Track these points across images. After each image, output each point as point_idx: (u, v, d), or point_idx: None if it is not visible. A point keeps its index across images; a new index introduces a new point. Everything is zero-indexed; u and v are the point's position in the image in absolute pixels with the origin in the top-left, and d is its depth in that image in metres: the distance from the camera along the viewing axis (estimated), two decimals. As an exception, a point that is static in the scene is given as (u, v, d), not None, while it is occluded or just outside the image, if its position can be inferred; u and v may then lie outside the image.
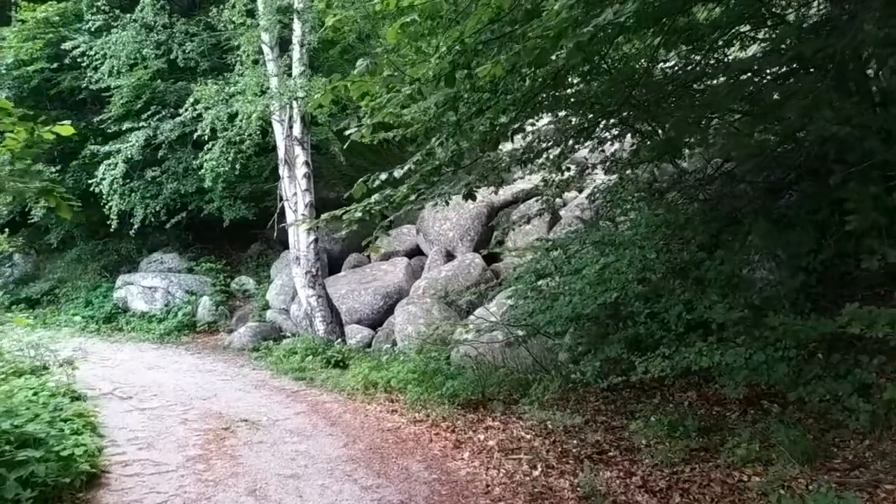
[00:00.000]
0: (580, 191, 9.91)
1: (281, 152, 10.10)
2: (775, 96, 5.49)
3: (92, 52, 11.22)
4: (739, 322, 4.63)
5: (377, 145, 11.82)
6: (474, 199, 4.89)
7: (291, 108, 9.67)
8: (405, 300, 9.73)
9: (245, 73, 9.39)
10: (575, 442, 4.79)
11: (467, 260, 10.06)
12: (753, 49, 6.04)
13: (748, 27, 5.86)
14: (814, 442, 4.03)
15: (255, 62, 9.57)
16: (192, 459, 4.90)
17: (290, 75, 9.61)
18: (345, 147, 5.88)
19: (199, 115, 9.77)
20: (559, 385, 5.62)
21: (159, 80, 11.76)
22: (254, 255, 13.82)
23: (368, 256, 11.91)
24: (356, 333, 9.77)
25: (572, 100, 5.69)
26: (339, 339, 9.37)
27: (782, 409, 4.55)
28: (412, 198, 3.96)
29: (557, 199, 8.61)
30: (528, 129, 6.07)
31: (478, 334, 6.92)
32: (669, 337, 5.09)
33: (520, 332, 6.32)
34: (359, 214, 3.89)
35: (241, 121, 9.30)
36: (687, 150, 6.34)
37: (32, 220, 12.80)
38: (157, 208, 11.83)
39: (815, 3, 5.80)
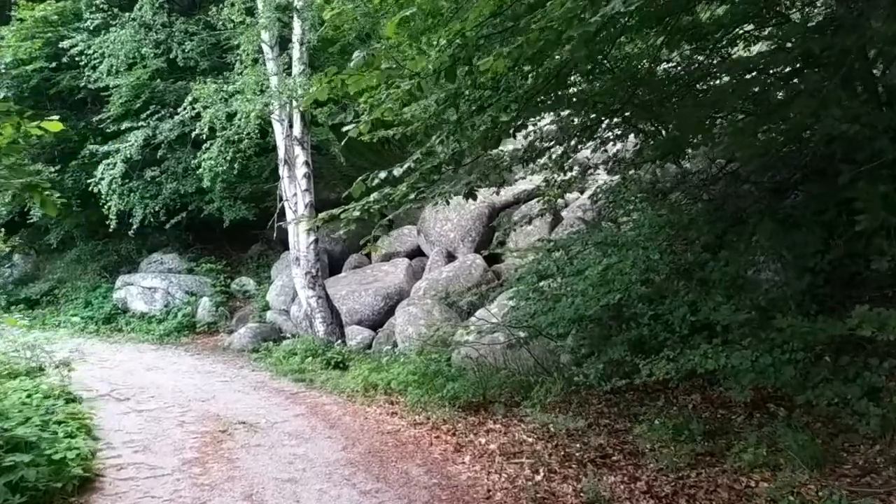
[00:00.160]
0: (582, 192, 9.83)
1: (281, 152, 10.03)
2: (780, 95, 5.43)
3: (90, 51, 11.15)
4: (745, 324, 4.55)
5: (378, 146, 11.78)
6: (475, 198, 4.81)
7: (291, 107, 9.60)
8: (406, 301, 9.65)
9: (244, 72, 9.32)
10: (578, 446, 4.71)
11: (468, 261, 9.98)
12: (756, 48, 5.97)
13: (752, 26, 5.80)
14: (822, 447, 3.94)
15: (255, 61, 9.51)
16: (189, 463, 4.83)
17: (289, 74, 9.54)
18: (343, 144, 5.79)
19: (198, 114, 9.70)
20: (561, 387, 5.53)
21: (159, 80, 11.69)
22: (254, 255, 13.75)
23: (369, 256, 11.83)
24: (356, 335, 9.69)
25: (574, 99, 5.63)
26: (340, 341, 9.30)
27: (789, 412, 4.46)
28: (412, 196, 3.88)
29: (559, 200, 8.53)
30: (531, 128, 6.01)
31: (479, 336, 6.84)
32: (673, 339, 5.02)
33: (521, 334, 6.24)
34: (357, 213, 3.81)
35: (239, 119, 9.23)
36: (690, 150, 6.28)
37: (32, 221, 12.75)
38: (157, 208, 11.75)
39: (819, 2, 5.73)
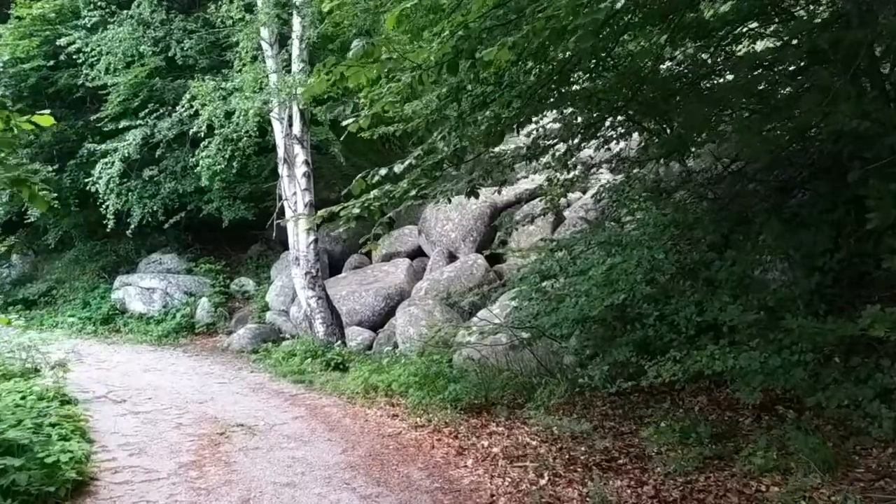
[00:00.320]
0: (584, 192, 9.75)
1: (280, 151, 9.94)
2: (788, 90, 5.35)
3: (88, 49, 11.06)
4: (754, 324, 4.46)
5: (379, 145, 11.69)
6: (477, 196, 4.73)
7: (291, 106, 9.52)
8: (406, 302, 9.56)
9: (243, 69, 9.24)
10: (583, 449, 4.61)
11: (470, 261, 9.89)
12: (760, 46, 5.89)
13: (756, 24, 5.73)
14: (834, 450, 3.85)
15: (254, 58, 9.42)
16: (185, 466, 4.74)
17: (289, 72, 9.46)
18: (342, 141, 5.69)
19: (196, 111, 9.62)
20: (565, 389, 5.43)
21: (157, 78, 11.59)
22: (254, 256, 13.68)
23: (369, 256, 11.75)
24: (357, 335, 9.60)
25: (577, 97, 5.55)
26: (340, 342, 9.20)
27: (798, 415, 4.37)
28: (412, 193, 3.79)
29: (561, 200, 8.45)
30: (534, 125, 5.92)
31: (481, 336, 6.75)
32: (679, 340, 4.93)
33: (524, 335, 6.15)
34: (357, 211, 3.73)
35: (238, 117, 9.14)
36: (695, 149, 6.19)
37: (30, 221, 12.67)
38: (155, 208, 11.67)
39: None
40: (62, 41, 11.24)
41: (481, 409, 5.73)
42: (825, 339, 4.10)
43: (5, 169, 2.95)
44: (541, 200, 7.91)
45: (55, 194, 11.52)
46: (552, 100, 5.24)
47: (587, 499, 3.89)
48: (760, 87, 5.34)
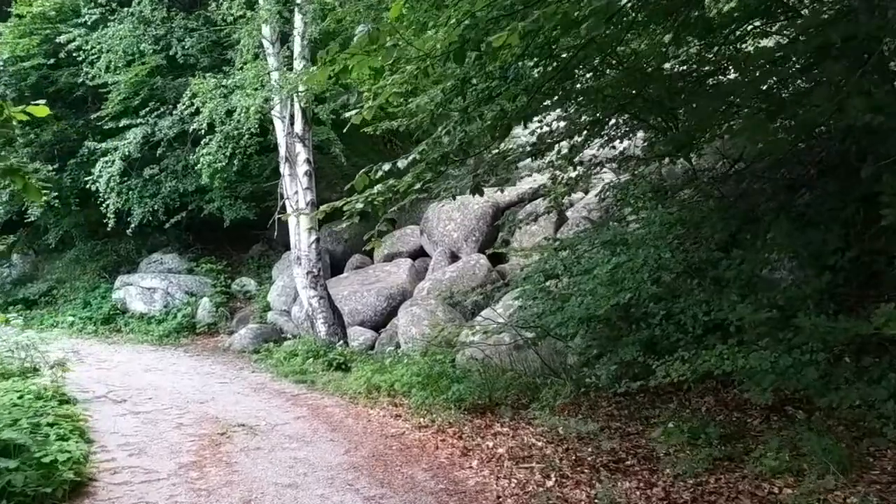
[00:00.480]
0: (586, 192, 9.68)
1: (282, 150, 9.87)
2: (799, 83, 5.28)
3: (88, 47, 10.99)
4: (763, 324, 4.38)
5: (381, 145, 11.62)
6: (482, 193, 4.65)
7: (292, 104, 9.45)
8: (409, 301, 9.49)
9: (244, 67, 9.18)
10: (589, 450, 4.53)
11: (472, 260, 9.82)
12: (766, 44, 5.83)
13: (761, 21, 5.66)
14: (847, 451, 3.76)
15: (255, 56, 9.37)
16: (185, 467, 4.66)
17: (290, 69, 9.39)
18: (345, 133, 5.61)
19: (197, 109, 9.55)
20: (570, 389, 5.35)
21: (158, 77, 11.54)
22: (255, 255, 13.62)
23: (371, 256, 11.68)
24: (359, 335, 9.53)
25: (581, 97, 5.49)
26: (342, 342, 9.12)
27: (808, 415, 4.29)
28: (417, 186, 3.71)
29: (564, 200, 8.38)
30: (538, 122, 5.86)
31: (484, 336, 6.67)
32: (687, 339, 4.86)
33: (528, 334, 6.07)
34: (360, 205, 3.65)
35: (239, 115, 9.08)
36: (702, 147, 6.13)
37: (30, 220, 12.61)
38: (156, 207, 11.61)
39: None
40: (62, 39, 11.17)
41: (485, 410, 5.65)
42: (836, 338, 4.02)
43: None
44: (544, 199, 7.85)
45: (55, 193, 11.52)
46: (556, 97, 5.18)
47: (596, 500, 3.81)
48: (770, 82, 5.26)
